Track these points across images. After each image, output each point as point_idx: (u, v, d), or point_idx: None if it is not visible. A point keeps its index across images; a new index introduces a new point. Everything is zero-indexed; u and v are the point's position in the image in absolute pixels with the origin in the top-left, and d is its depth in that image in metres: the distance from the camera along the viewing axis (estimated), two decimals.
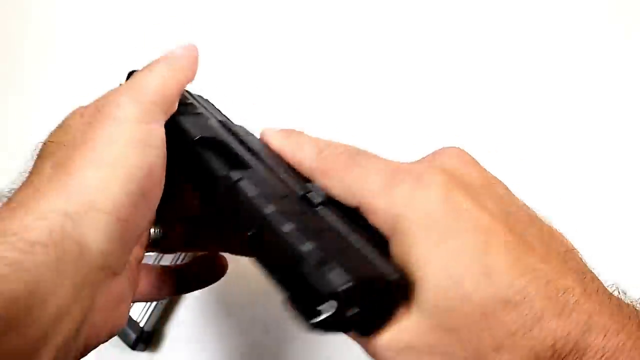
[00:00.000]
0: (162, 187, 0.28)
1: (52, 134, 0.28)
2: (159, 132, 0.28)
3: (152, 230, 0.35)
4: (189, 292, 0.47)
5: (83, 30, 0.70)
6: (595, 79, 0.63)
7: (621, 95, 0.62)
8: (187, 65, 0.32)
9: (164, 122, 0.29)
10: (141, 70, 0.31)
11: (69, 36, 0.71)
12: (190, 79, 0.32)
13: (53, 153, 0.26)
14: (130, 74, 0.37)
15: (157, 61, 0.32)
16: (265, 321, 0.60)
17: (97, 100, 0.29)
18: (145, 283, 0.35)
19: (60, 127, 0.28)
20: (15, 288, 0.20)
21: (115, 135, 0.26)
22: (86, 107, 0.29)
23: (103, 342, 0.28)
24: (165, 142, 0.29)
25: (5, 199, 0.25)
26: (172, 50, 0.32)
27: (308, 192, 0.25)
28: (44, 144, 0.27)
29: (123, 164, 0.26)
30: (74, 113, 0.29)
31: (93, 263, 0.24)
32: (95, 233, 0.24)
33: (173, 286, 0.38)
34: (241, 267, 0.62)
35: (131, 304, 0.31)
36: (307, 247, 0.21)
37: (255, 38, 0.68)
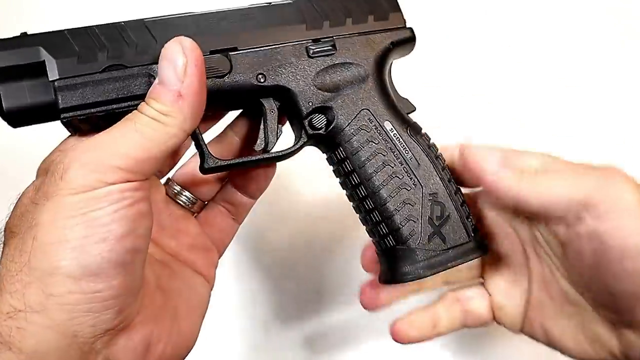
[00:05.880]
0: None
1: (9, 217, 0.29)
2: (112, 197, 0.26)
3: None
4: None
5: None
6: (593, 80, 0.63)
7: (620, 96, 0.62)
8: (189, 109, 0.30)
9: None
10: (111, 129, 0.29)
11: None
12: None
13: (8, 245, 0.28)
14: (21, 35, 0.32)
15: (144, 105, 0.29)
16: (265, 321, 0.60)
17: (45, 164, 0.30)
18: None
19: (15, 209, 0.29)
20: None
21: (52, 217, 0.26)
22: (33, 183, 0.29)
23: None
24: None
25: None
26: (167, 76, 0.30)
27: None
28: (4, 230, 0.29)
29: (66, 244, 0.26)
30: (23, 194, 0.29)
31: None
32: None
33: None
34: (242, 267, 0.62)
35: None
36: None
37: None
